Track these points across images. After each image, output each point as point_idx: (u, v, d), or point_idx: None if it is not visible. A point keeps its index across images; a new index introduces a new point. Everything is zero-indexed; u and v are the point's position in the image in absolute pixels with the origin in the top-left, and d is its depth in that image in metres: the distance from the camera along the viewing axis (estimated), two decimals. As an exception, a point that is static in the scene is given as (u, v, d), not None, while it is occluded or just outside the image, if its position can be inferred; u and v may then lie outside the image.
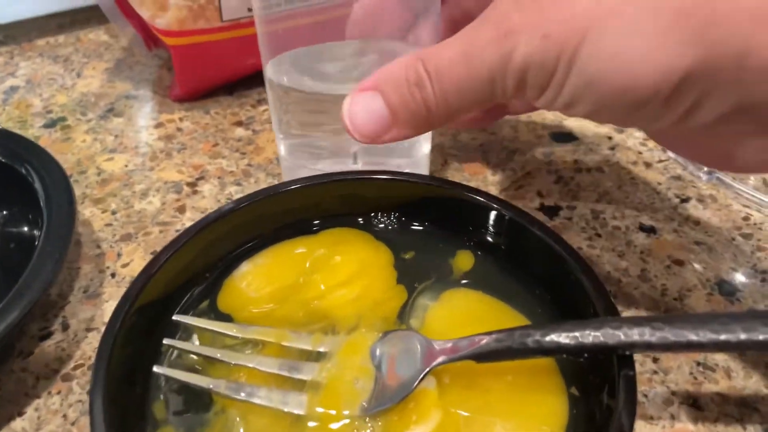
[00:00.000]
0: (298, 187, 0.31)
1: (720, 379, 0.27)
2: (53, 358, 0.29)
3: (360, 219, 0.32)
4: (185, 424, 0.24)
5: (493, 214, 0.30)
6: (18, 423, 0.26)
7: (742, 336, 0.22)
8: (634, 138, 0.40)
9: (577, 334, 0.24)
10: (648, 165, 0.38)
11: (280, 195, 0.30)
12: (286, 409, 0.24)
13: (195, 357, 0.26)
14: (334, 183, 0.31)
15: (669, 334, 0.23)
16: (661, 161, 0.38)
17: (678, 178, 0.37)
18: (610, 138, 0.40)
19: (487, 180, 0.38)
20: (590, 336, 0.23)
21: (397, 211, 0.32)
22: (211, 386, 0.25)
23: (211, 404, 0.25)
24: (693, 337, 0.23)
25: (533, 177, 0.38)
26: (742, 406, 0.26)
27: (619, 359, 0.23)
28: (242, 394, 0.24)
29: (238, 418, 0.24)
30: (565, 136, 0.41)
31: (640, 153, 0.39)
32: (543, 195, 0.36)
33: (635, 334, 0.23)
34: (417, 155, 0.35)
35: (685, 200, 0.36)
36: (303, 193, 0.31)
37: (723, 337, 0.23)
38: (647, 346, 0.23)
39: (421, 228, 0.32)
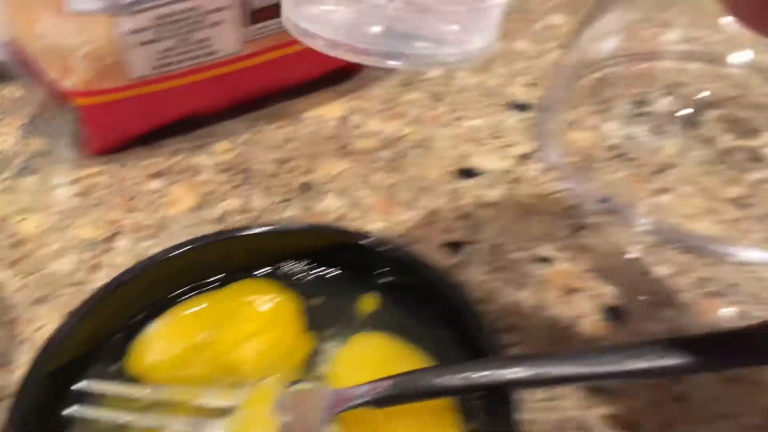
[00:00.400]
0: (203, 245, 0.32)
1: (608, 402, 0.29)
2: (-34, 430, 0.29)
3: (268, 268, 0.33)
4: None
5: (391, 257, 0.32)
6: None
7: (612, 367, 0.25)
8: (533, 170, 0.43)
9: (467, 374, 0.25)
10: (544, 197, 0.41)
11: (186, 253, 0.31)
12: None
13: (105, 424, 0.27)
14: (240, 238, 0.32)
15: (549, 369, 0.25)
16: (556, 192, 0.41)
17: (572, 208, 0.40)
18: (508, 172, 0.43)
19: (396, 219, 0.39)
20: (478, 376, 0.25)
21: (304, 258, 0.33)
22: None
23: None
24: (570, 370, 0.25)
25: (438, 214, 0.40)
26: (629, 428, 0.28)
27: (503, 394, 0.25)
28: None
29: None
30: (468, 173, 0.43)
31: (538, 186, 0.41)
32: (448, 231, 0.38)
33: (518, 372, 0.25)
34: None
35: (578, 229, 0.38)
36: (209, 250, 0.32)
37: (598, 369, 0.25)
38: (529, 383, 0.25)
39: (330, 273, 0.33)
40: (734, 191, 0.40)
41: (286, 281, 0.33)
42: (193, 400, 0.27)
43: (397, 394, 0.25)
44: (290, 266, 0.33)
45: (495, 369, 0.25)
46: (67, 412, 0.27)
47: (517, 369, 0.25)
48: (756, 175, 0.41)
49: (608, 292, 0.34)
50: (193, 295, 0.32)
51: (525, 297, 0.34)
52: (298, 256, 0.33)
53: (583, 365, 0.25)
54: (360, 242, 0.32)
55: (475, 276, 0.35)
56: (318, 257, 0.33)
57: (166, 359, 0.29)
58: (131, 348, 0.30)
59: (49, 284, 0.36)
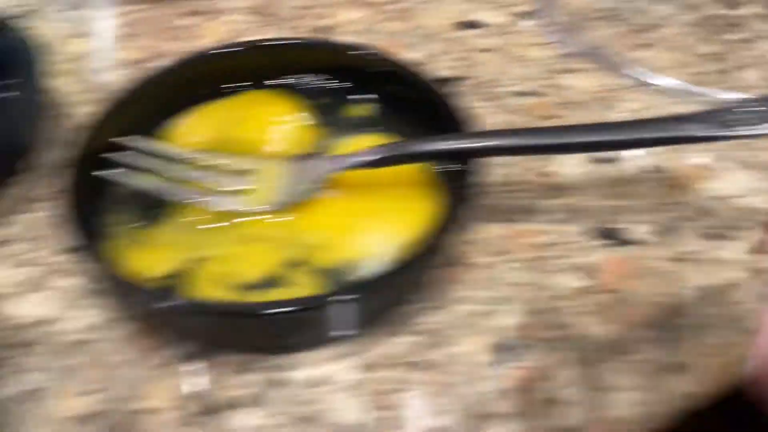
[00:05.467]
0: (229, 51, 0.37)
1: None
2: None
3: (281, 80, 0.38)
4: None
5: (388, 68, 0.36)
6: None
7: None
8: (530, 26, 0.47)
9: (449, 142, 0.31)
10: (536, 46, 0.45)
11: (206, 58, 0.37)
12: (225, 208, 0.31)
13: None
14: (256, 48, 0.38)
15: (514, 140, 0.30)
16: (549, 44, 0.45)
17: (559, 57, 0.44)
18: (508, 26, 0.47)
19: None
20: (454, 143, 0.30)
21: (312, 72, 0.38)
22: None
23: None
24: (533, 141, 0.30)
25: (439, 56, 0.44)
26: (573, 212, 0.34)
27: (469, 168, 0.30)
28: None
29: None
30: (470, 24, 0.47)
31: (532, 38, 0.46)
32: (446, 69, 0.43)
33: (492, 140, 0.30)
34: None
35: (562, 72, 0.43)
36: (228, 58, 0.37)
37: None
38: (500, 149, 0.30)
39: (336, 84, 0.38)
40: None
41: (297, 90, 0.38)
42: (218, 161, 0.33)
43: (389, 156, 0.31)
44: (302, 78, 0.38)
45: (472, 138, 0.31)
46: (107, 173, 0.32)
47: (491, 138, 0.30)
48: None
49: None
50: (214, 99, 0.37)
51: (510, 120, 0.39)
52: (307, 70, 0.38)
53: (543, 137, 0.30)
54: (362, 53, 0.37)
55: (465, 103, 0.40)
56: (327, 71, 0.38)
57: (193, 142, 0.35)
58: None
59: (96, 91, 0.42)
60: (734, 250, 0.32)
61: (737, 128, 0.28)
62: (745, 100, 0.29)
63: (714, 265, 0.32)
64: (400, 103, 0.36)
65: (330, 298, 0.26)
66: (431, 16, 0.48)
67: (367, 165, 0.31)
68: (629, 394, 0.28)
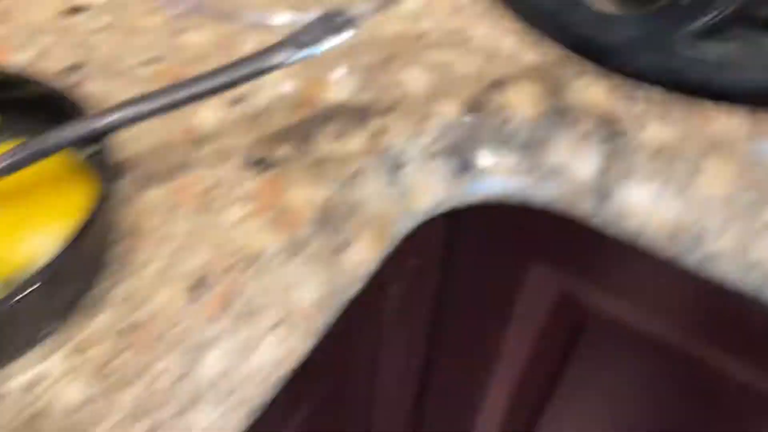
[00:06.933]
0: None
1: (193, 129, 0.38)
2: None
3: None
4: None
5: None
6: None
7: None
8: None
9: (68, 130, 0.31)
10: (147, 15, 0.47)
11: None
12: None
13: None
14: None
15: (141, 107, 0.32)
16: (157, 9, 0.47)
17: (172, 19, 0.46)
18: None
19: (13, 61, 0.43)
20: (81, 127, 0.32)
21: None
22: None
23: None
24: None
25: (52, 49, 0.44)
26: (222, 153, 0.37)
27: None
28: None
29: None
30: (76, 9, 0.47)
31: (141, 6, 0.47)
32: (64, 60, 0.43)
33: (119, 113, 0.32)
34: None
35: (179, 33, 0.45)
36: None
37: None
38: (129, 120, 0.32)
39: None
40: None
41: None
42: None
43: (16, 160, 0.31)
44: None
45: (95, 119, 0.31)
46: None
47: (112, 113, 0.32)
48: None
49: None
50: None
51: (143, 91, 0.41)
52: None
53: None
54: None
55: (92, 87, 0.41)
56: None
57: None
58: None
59: None
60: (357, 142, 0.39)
61: (309, 48, 0.33)
62: (311, 20, 0.34)
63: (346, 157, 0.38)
64: (24, 106, 0.36)
65: (13, 296, 0.27)
66: (33, 12, 0.47)
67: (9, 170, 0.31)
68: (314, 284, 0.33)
